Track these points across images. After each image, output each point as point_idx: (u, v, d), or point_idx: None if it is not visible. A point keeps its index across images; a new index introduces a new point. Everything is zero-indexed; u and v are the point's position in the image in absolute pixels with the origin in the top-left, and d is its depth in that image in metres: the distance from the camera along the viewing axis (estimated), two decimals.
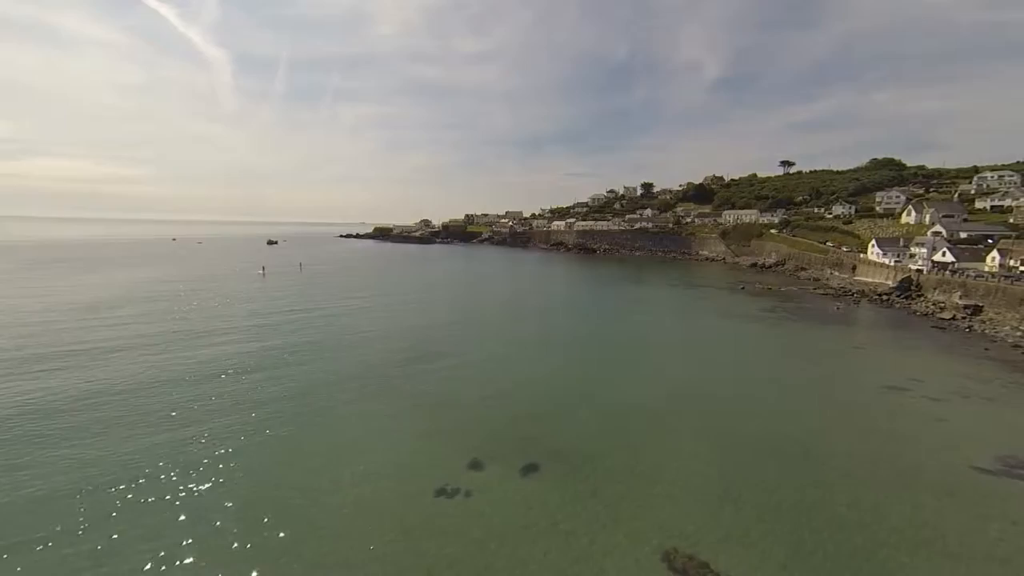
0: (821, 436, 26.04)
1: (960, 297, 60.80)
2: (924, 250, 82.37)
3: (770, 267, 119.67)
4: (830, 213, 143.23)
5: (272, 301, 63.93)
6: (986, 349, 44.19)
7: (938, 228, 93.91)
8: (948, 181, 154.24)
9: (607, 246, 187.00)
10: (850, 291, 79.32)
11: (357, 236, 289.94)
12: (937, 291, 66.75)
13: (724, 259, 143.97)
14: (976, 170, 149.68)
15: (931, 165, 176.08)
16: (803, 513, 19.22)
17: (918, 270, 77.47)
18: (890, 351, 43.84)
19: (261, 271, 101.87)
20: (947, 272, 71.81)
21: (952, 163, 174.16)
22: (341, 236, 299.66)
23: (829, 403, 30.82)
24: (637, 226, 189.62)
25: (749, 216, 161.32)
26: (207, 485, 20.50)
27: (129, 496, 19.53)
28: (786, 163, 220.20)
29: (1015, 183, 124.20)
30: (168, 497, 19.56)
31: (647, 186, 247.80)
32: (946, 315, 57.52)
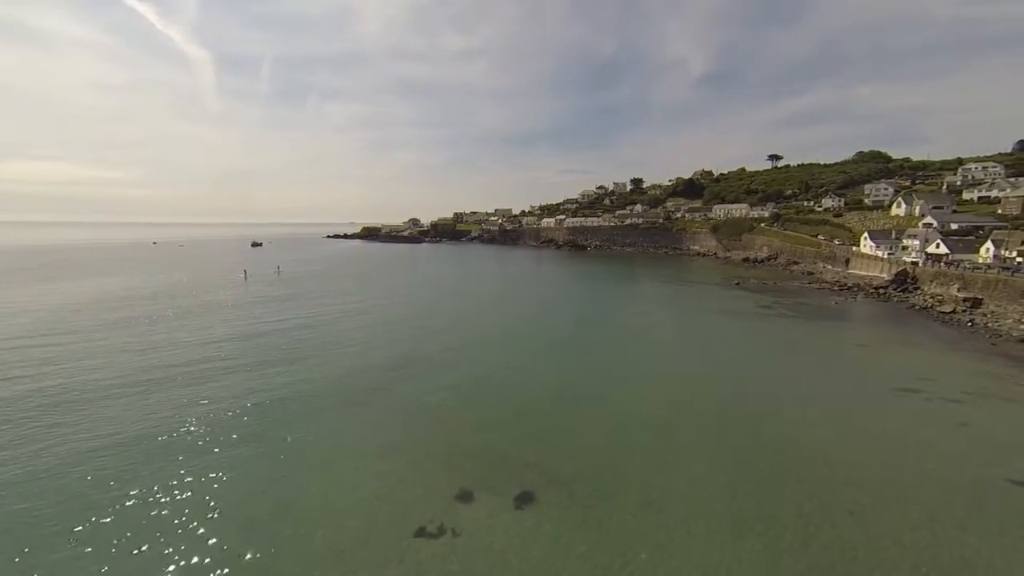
0: (841, 449, 23.92)
1: (958, 290, 59.70)
2: (917, 242, 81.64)
3: (762, 261, 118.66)
4: (820, 206, 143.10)
5: (249, 312, 60.58)
6: (993, 344, 42.82)
7: (929, 220, 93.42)
8: (933, 173, 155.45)
9: (598, 242, 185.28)
10: (846, 285, 78.23)
11: (345, 236, 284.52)
12: (934, 284, 65.71)
13: (715, 254, 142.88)
14: (960, 162, 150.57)
15: (916, 157, 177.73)
16: (838, 547, 16.96)
17: (913, 262, 76.59)
18: (896, 348, 42.19)
19: (243, 275, 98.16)
20: (942, 264, 70.98)
21: (935, 155, 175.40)
22: (328, 237, 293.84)
23: (844, 409, 28.81)
24: (627, 222, 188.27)
25: (739, 210, 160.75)
26: (146, 533, 17.72)
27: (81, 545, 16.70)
28: (774, 157, 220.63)
29: (999, 174, 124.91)
30: (106, 549, 16.76)
31: (637, 182, 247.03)
32: (946, 308, 56.31)
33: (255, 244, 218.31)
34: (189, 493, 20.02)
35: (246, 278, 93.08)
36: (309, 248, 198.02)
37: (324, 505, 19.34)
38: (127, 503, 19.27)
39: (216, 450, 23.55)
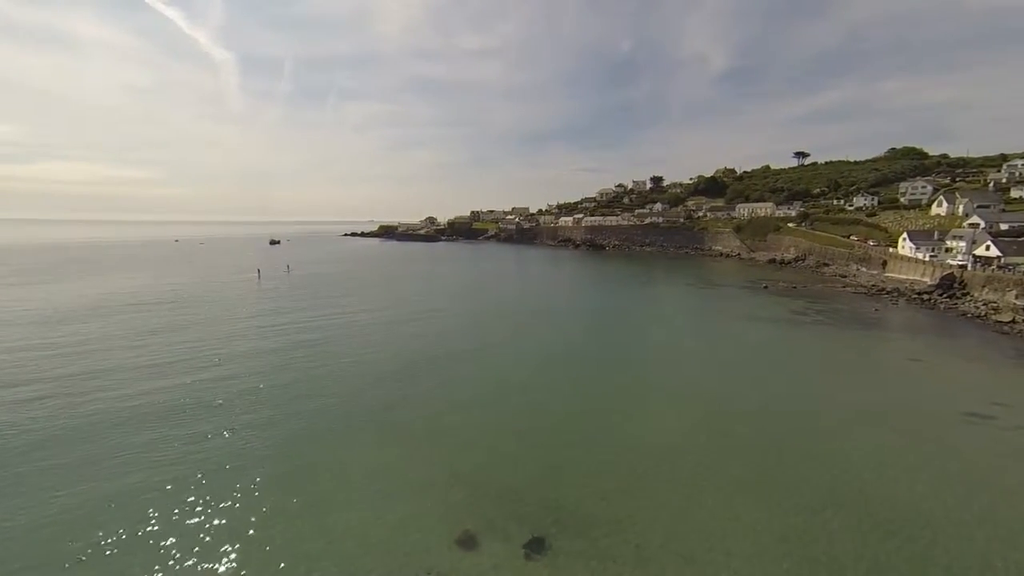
0: (915, 493, 20.29)
1: (1016, 297, 54.46)
2: (963, 244, 75.82)
3: (790, 263, 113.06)
4: (851, 205, 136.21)
5: (255, 322, 58.97)
6: None
7: (975, 219, 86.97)
8: (974, 170, 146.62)
9: (616, 242, 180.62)
10: (883, 289, 72.93)
11: (361, 235, 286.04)
12: (986, 289, 60.34)
13: (739, 255, 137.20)
14: (1004, 158, 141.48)
15: (953, 154, 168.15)
16: None
17: (960, 266, 71.00)
18: (955, 363, 37.85)
19: (256, 274, 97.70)
20: (994, 268, 65.41)
21: (967, 152, 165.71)
22: (345, 235, 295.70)
23: (906, 440, 25.02)
24: (647, 221, 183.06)
25: (764, 209, 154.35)
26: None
27: None
28: (801, 154, 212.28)
29: None
30: None
31: (657, 180, 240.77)
32: (1003, 318, 51.21)
33: (273, 242, 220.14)
34: (167, 535, 17.83)
35: (259, 277, 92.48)
36: (325, 247, 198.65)
37: (305, 552, 16.86)
38: (103, 548, 17.17)
39: (184, 494, 21.36)
